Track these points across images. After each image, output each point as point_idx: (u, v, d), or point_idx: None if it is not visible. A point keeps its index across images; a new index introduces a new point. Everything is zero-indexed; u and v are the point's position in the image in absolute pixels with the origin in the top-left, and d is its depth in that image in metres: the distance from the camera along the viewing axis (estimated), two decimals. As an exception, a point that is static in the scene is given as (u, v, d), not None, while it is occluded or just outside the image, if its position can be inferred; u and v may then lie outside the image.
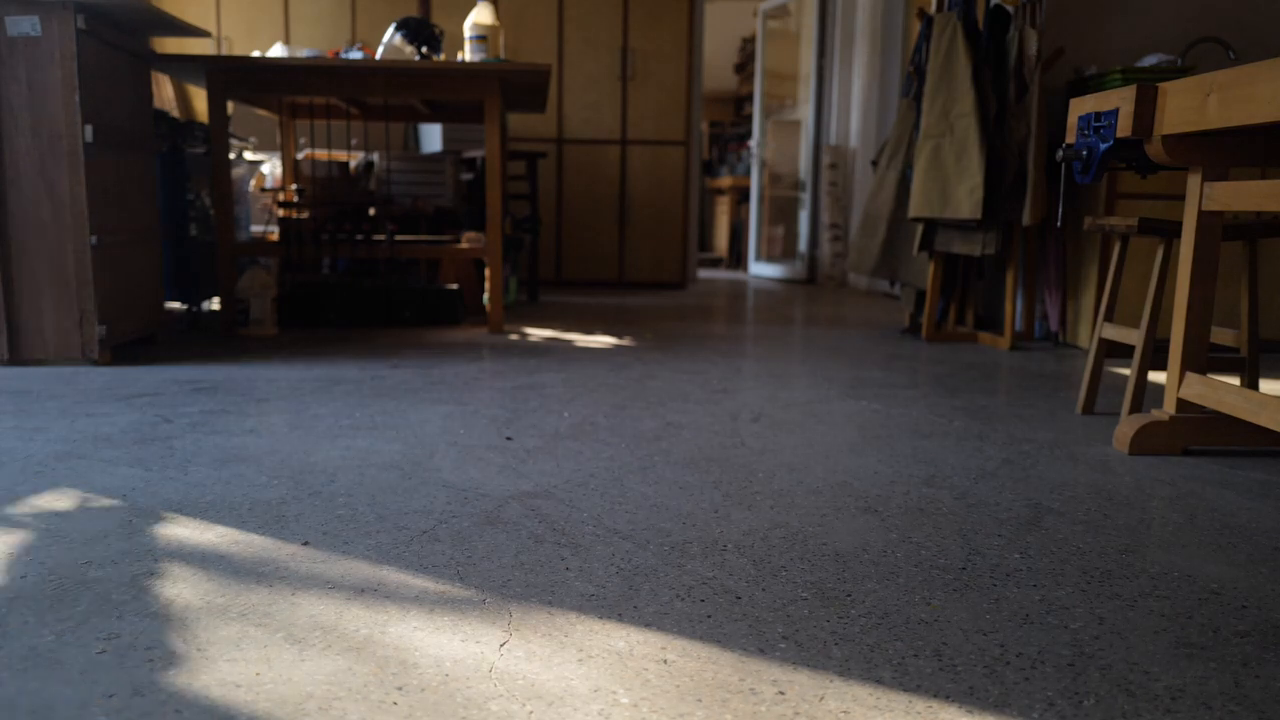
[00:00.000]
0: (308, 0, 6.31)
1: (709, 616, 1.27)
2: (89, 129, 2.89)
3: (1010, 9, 3.59)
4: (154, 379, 2.84)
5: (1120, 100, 1.94)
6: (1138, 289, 3.49)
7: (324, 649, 1.16)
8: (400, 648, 1.17)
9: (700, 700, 1.06)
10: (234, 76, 3.76)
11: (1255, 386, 2.42)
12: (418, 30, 4.12)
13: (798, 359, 3.45)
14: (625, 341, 3.79)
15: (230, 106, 4.18)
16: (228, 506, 1.67)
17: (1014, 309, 3.78)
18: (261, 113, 4.97)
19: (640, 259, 6.63)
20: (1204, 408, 2.07)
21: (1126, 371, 3.15)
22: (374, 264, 4.68)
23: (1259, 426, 1.92)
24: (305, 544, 1.51)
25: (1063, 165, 2.06)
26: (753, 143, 7.85)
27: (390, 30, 4.11)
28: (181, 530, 1.56)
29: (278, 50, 4.20)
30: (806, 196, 7.39)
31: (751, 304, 5.59)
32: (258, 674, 1.10)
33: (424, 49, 4.12)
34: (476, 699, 1.05)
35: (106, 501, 1.70)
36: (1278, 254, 3.55)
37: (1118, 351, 2.60)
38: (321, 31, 6.32)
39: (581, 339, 3.85)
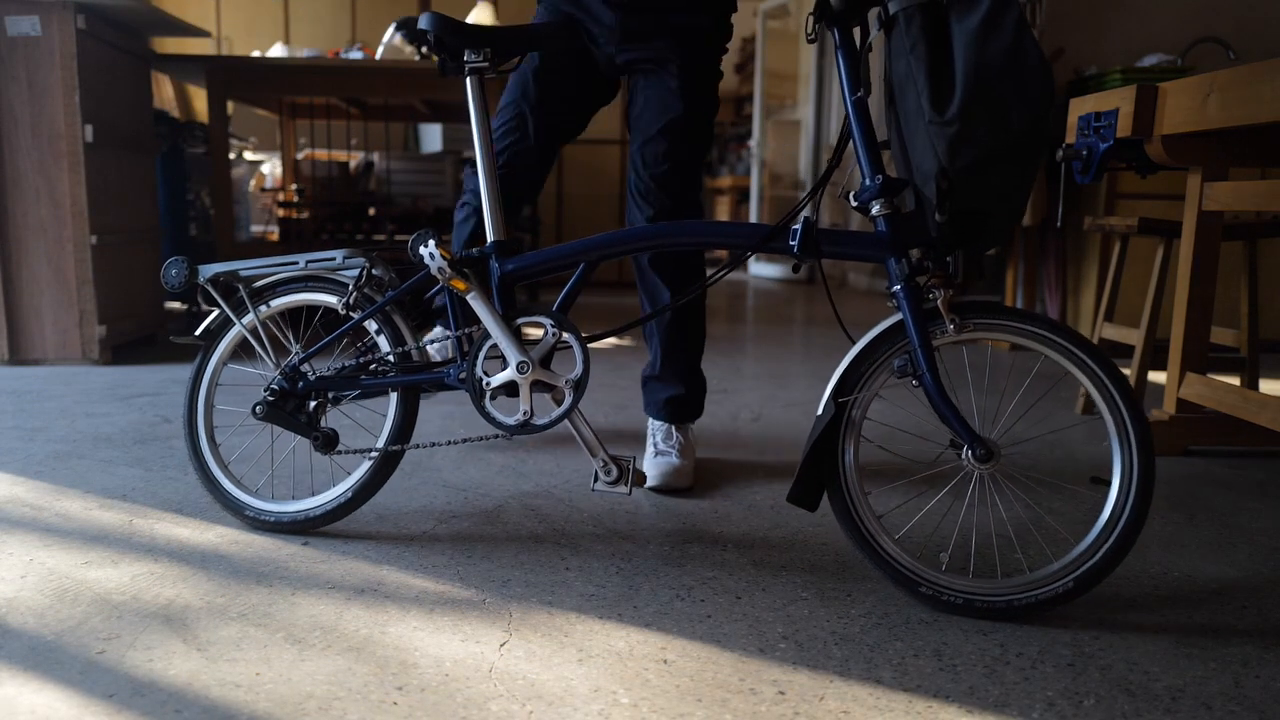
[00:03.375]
0: (307, 0, 6.31)
1: (709, 616, 1.27)
2: (89, 129, 2.89)
3: (1010, 9, 3.59)
4: (154, 379, 2.83)
5: (1120, 100, 1.94)
6: (1138, 289, 3.49)
7: (324, 649, 1.16)
8: (400, 648, 1.17)
9: (700, 700, 1.06)
10: (234, 76, 3.76)
11: (1255, 386, 2.41)
12: (418, 30, 4.11)
13: (798, 359, 3.45)
14: (625, 341, 3.79)
15: (230, 106, 4.18)
16: (228, 506, 1.67)
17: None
18: (261, 113, 4.97)
19: (640, 259, 6.63)
20: (1204, 408, 2.07)
21: (1126, 371, 3.15)
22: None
23: (1259, 426, 1.92)
24: (305, 544, 1.51)
25: (1063, 165, 2.06)
26: (753, 143, 7.85)
27: (390, 30, 4.11)
28: (181, 530, 1.56)
29: (278, 50, 4.20)
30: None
31: (751, 304, 5.59)
32: (258, 674, 1.10)
33: (424, 49, 4.12)
34: (476, 699, 1.05)
35: (106, 501, 1.70)
36: (1278, 254, 3.55)
37: (1118, 351, 2.60)
38: (321, 31, 6.32)
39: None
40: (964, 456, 1.30)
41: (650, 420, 1.93)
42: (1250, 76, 1.66)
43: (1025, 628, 1.25)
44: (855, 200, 1.33)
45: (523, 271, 1.48)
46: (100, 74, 3.01)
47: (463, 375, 1.49)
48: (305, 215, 4.19)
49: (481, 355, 1.49)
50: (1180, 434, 2.13)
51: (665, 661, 1.14)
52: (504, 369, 1.47)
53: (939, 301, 1.29)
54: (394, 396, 1.55)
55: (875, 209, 1.32)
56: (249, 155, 5.09)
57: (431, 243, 1.47)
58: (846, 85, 1.31)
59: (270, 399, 1.57)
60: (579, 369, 1.44)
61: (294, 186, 4.40)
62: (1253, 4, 3.87)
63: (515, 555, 1.47)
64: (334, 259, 1.54)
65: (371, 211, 4.34)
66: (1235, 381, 2.42)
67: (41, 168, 2.89)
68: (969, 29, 1.22)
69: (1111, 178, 3.47)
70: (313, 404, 1.59)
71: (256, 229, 5.07)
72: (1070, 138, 2.12)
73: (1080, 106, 2.09)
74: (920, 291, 1.30)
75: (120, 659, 1.13)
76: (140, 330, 3.33)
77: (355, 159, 4.99)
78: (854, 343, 1.35)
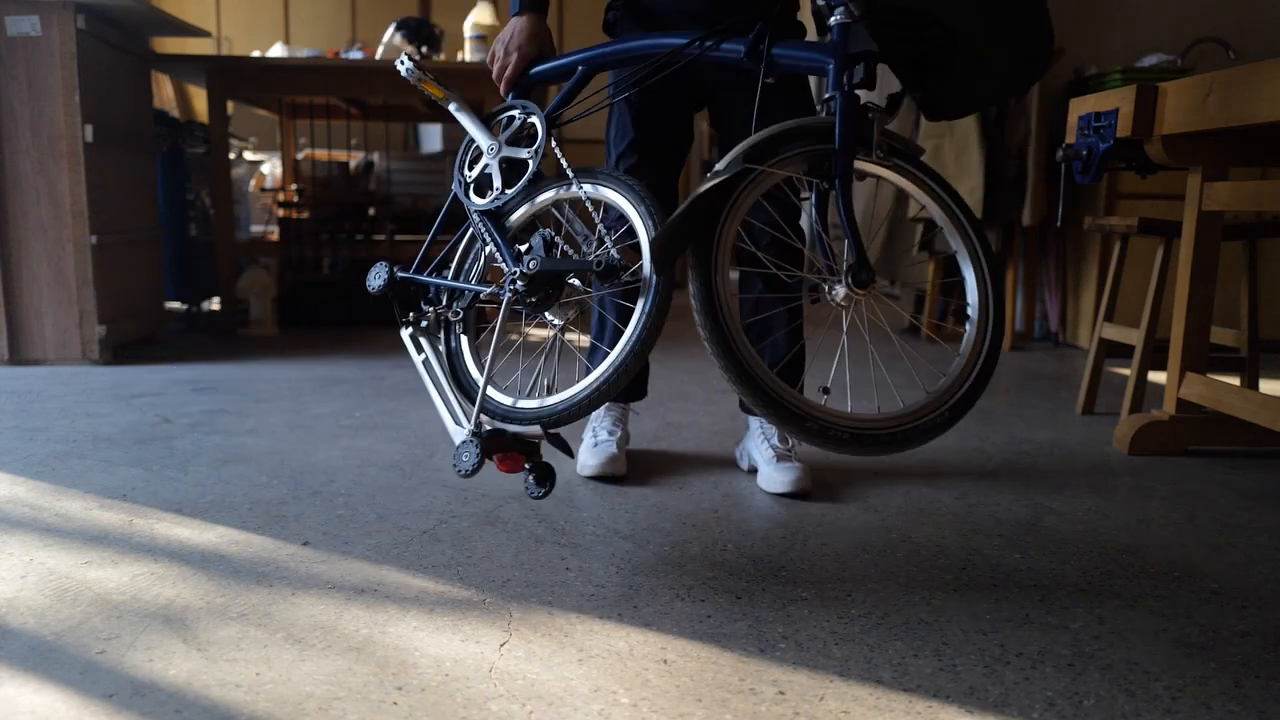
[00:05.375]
0: (307, 0, 6.31)
1: (709, 616, 1.27)
2: (89, 129, 2.89)
3: (1010, 9, 3.59)
4: (154, 379, 2.84)
5: (1120, 100, 1.94)
6: (1138, 289, 3.48)
7: (324, 649, 1.16)
8: (400, 648, 1.17)
9: (700, 700, 1.06)
10: (234, 76, 3.76)
11: (1255, 386, 2.41)
12: (418, 30, 4.12)
13: (798, 359, 3.45)
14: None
15: (230, 106, 4.18)
16: (228, 506, 1.67)
17: (1014, 309, 3.78)
18: (261, 113, 4.96)
19: (640, 259, 6.62)
20: (1204, 408, 2.07)
21: (1126, 371, 3.15)
22: (374, 264, 4.68)
23: (1259, 426, 1.92)
24: (305, 544, 1.51)
25: (1063, 165, 2.06)
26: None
27: (390, 30, 4.11)
28: (181, 530, 1.56)
29: (278, 50, 4.19)
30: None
31: (751, 304, 5.59)
32: (258, 674, 1.10)
33: (424, 49, 4.12)
34: (476, 699, 1.05)
35: (106, 501, 1.70)
36: (1278, 254, 3.55)
37: (1118, 351, 2.60)
38: (321, 31, 6.32)
39: (583, 338, 3.85)
40: (844, 283, 1.29)
41: (763, 423, 1.89)
42: (1250, 76, 1.66)
43: (1025, 627, 1.25)
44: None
45: (531, 80, 1.62)
46: (100, 74, 3.01)
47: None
48: (305, 215, 4.19)
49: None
50: (1180, 434, 2.13)
51: (665, 661, 1.14)
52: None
53: (875, 125, 1.30)
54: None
55: (836, 16, 1.32)
56: (249, 155, 5.08)
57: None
58: None
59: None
60: (539, 139, 1.51)
61: (294, 186, 4.40)
62: (1253, 4, 3.87)
63: (515, 555, 1.47)
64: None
65: (371, 211, 4.33)
66: (1235, 381, 2.42)
67: (41, 168, 2.89)
68: None
69: (1111, 178, 3.47)
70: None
71: (256, 229, 5.07)
72: (1070, 138, 2.12)
73: (1080, 106, 2.09)
74: (858, 102, 1.29)
75: (120, 659, 1.13)
76: (140, 330, 3.33)
77: (355, 159, 4.98)
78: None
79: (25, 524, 1.57)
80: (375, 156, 4.93)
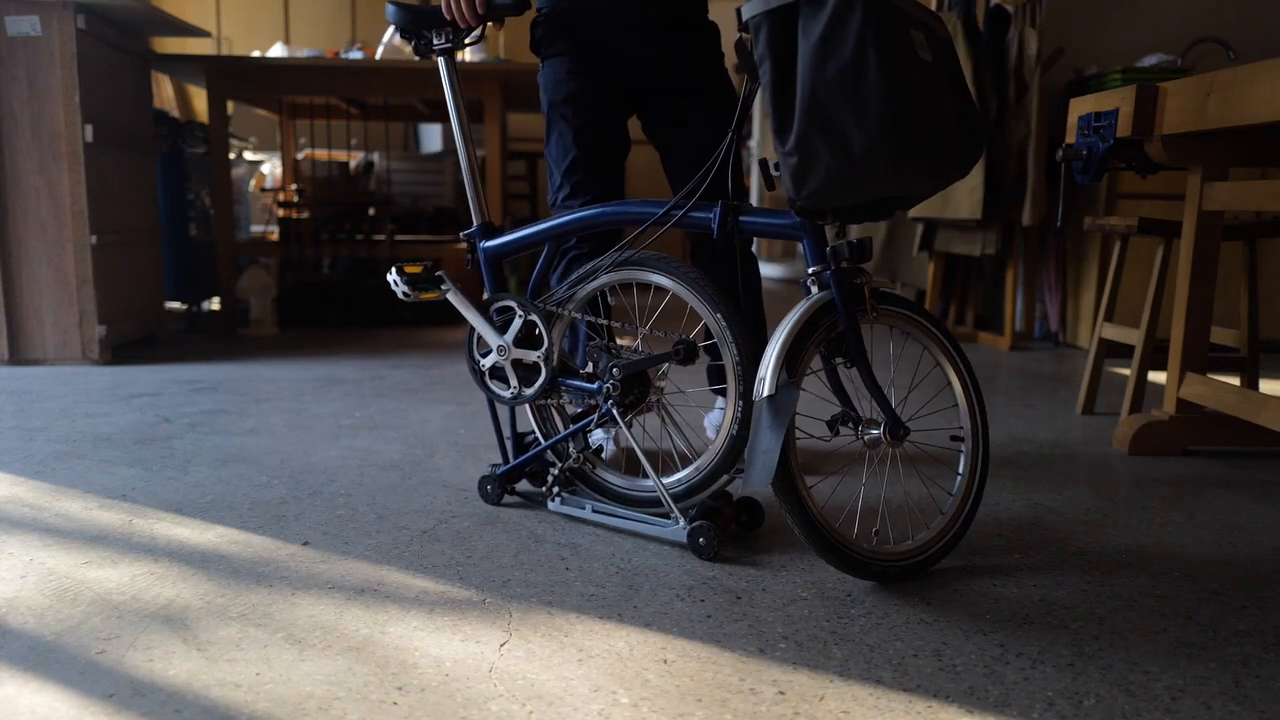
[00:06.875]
0: (307, 0, 6.31)
1: (709, 616, 1.27)
2: (89, 129, 2.89)
3: (1010, 9, 3.59)
4: (154, 379, 2.83)
5: (1120, 100, 1.94)
6: (1138, 289, 3.49)
7: (324, 649, 1.16)
8: (400, 648, 1.17)
9: (700, 700, 1.06)
10: (234, 76, 3.76)
11: (1255, 386, 2.41)
12: (417, 30, 4.10)
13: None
14: (626, 342, 3.79)
15: (230, 106, 4.18)
16: (228, 506, 1.67)
17: (1014, 309, 3.78)
18: (261, 113, 4.97)
19: (640, 259, 6.62)
20: (1204, 408, 2.07)
21: (1126, 371, 3.15)
22: (374, 264, 4.67)
23: (1259, 426, 1.92)
24: (305, 544, 1.51)
25: (1063, 165, 2.06)
26: (752, 143, 7.84)
27: (390, 30, 4.11)
28: (181, 530, 1.56)
29: (278, 50, 4.20)
30: (806, 196, 7.34)
31: (751, 304, 5.59)
32: (258, 674, 1.10)
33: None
34: (476, 699, 1.05)
35: (106, 501, 1.70)
36: (1278, 254, 3.55)
37: (1118, 351, 2.60)
38: (321, 31, 6.32)
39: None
40: (882, 434, 1.38)
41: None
42: (1250, 76, 1.66)
43: (1025, 627, 1.25)
44: (775, 171, 1.34)
45: (502, 249, 1.67)
46: (100, 74, 3.01)
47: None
48: (305, 215, 4.19)
49: (473, 342, 1.67)
50: (1180, 434, 2.13)
51: (665, 661, 1.14)
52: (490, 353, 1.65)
53: (864, 287, 1.38)
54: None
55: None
56: (249, 155, 5.09)
57: (394, 269, 1.63)
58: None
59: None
60: (545, 343, 1.61)
61: (294, 186, 4.40)
62: (1253, 4, 3.87)
63: (515, 555, 1.47)
64: None
65: (371, 211, 4.33)
66: (1235, 381, 2.42)
67: (41, 168, 2.89)
68: (810, 44, 1.20)
69: (1111, 178, 3.47)
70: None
71: (256, 229, 5.07)
72: (1070, 138, 2.12)
73: (1080, 106, 2.09)
74: (849, 276, 1.37)
75: (120, 659, 1.13)
76: (140, 330, 3.32)
77: (355, 159, 4.98)
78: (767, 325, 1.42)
79: (25, 524, 1.57)
80: (375, 156, 4.93)
